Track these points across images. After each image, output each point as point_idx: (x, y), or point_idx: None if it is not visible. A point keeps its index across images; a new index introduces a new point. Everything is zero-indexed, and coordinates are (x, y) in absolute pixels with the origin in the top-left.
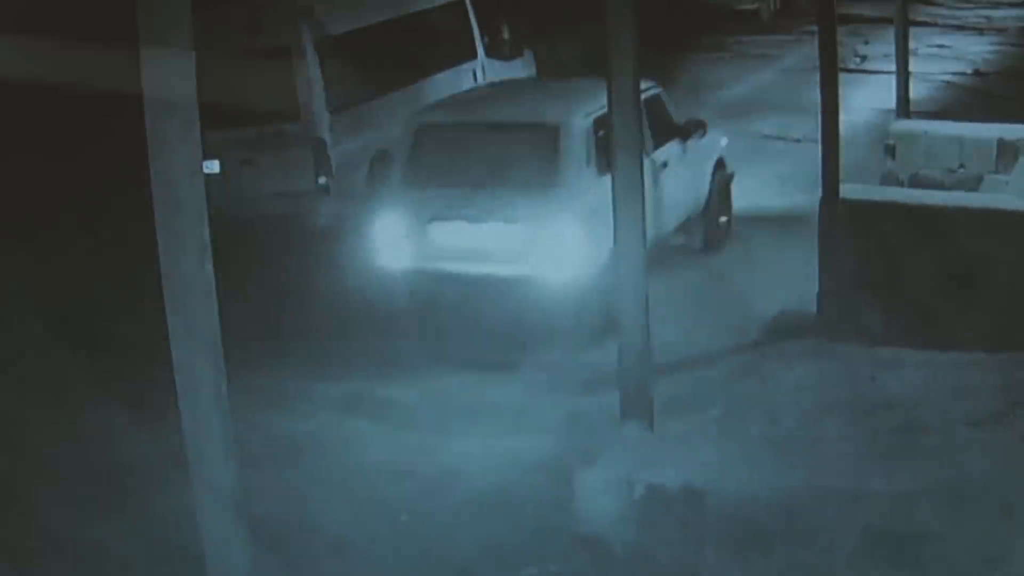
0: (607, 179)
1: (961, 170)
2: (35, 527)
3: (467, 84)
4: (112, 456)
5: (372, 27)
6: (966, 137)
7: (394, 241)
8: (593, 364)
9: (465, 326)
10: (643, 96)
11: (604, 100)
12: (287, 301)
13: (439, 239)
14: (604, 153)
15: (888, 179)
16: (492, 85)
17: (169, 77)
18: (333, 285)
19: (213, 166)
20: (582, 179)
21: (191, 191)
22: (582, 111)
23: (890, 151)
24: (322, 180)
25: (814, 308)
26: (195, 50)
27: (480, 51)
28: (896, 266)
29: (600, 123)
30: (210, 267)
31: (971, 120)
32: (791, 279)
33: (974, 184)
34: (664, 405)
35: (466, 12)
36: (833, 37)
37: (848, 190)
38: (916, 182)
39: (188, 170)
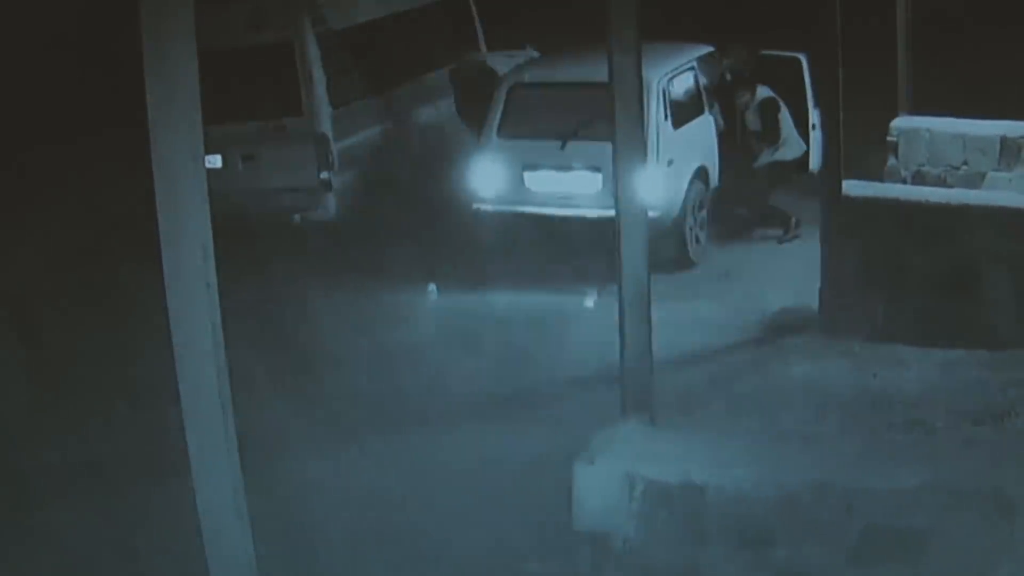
0: (680, 131)
1: (964, 167)
2: (35, 521)
3: None
4: (112, 449)
5: (374, 22)
6: (969, 134)
7: (489, 187)
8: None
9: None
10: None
11: (677, 62)
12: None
13: (530, 185)
14: (678, 108)
15: (890, 176)
16: (577, 48)
17: (172, 71)
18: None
19: (215, 161)
20: (659, 132)
21: (193, 186)
22: (659, 72)
23: (892, 148)
24: (324, 175)
25: (815, 304)
26: (197, 44)
27: (482, 45)
28: (898, 263)
29: (673, 82)
30: (212, 262)
31: (974, 117)
32: None
33: (977, 181)
34: (666, 400)
35: (468, 6)
36: (834, 36)
37: (850, 187)
38: (918, 179)
39: (190, 164)
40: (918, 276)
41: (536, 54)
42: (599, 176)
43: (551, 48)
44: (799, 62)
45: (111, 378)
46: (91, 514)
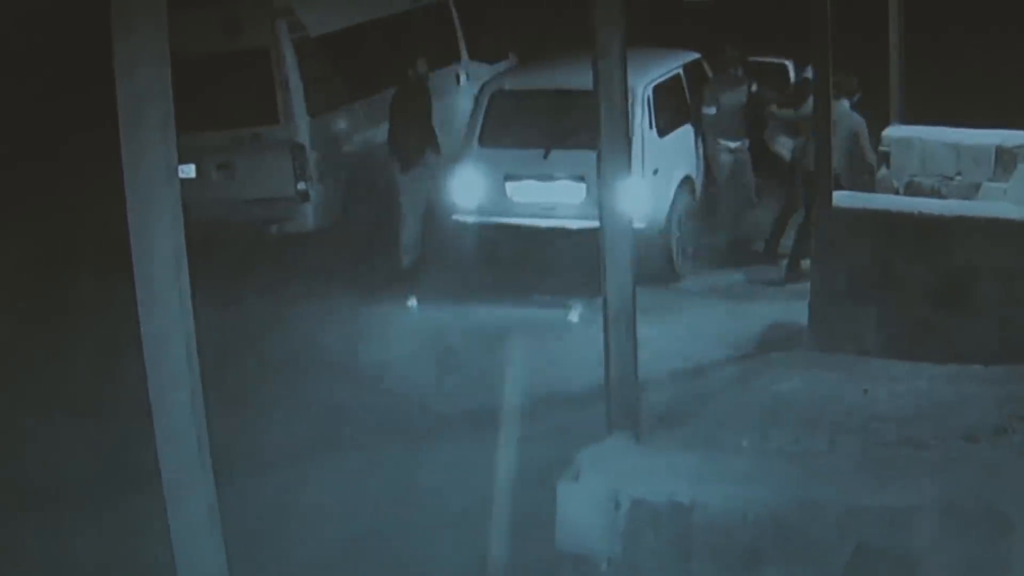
0: (666, 140)
1: (958, 178)
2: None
3: (451, 87)
4: (81, 465)
5: (353, 29)
6: (963, 144)
7: (470, 197)
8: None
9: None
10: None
11: (662, 69)
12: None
13: (512, 195)
14: (663, 117)
15: (882, 186)
16: (561, 54)
17: (144, 78)
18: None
19: (189, 170)
20: (644, 140)
21: (166, 196)
22: (644, 79)
23: (884, 158)
24: (301, 186)
25: (805, 319)
26: (170, 50)
27: (464, 53)
28: (890, 276)
29: (658, 90)
30: (185, 274)
31: (969, 126)
32: None
33: (971, 192)
34: (652, 416)
35: (450, 14)
36: (827, 47)
37: (841, 197)
38: (911, 190)
39: (164, 174)
40: (910, 289)
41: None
42: (583, 186)
43: (535, 56)
44: (785, 68)
45: (81, 392)
46: (60, 532)
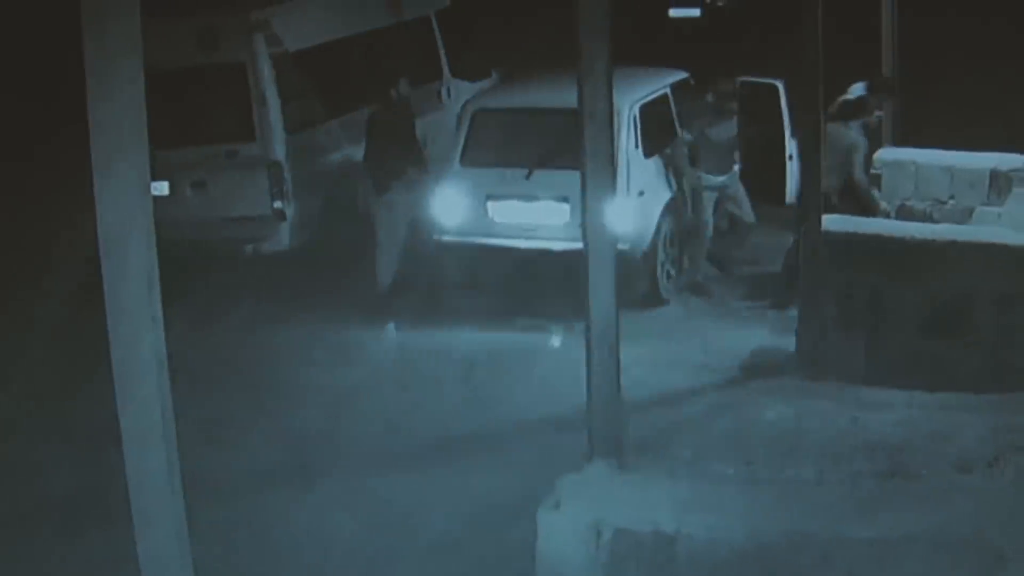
0: (652, 161)
1: (951, 201)
2: None
3: (432, 105)
4: (48, 488)
5: (332, 44)
6: (957, 167)
7: (451, 217)
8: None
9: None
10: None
11: (649, 88)
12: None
13: (494, 215)
14: (649, 137)
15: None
16: (545, 72)
17: (117, 92)
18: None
19: (162, 188)
20: (629, 161)
21: (139, 214)
22: (630, 98)
23: (876, 181)
24: (278, 204)
25: (793, 345)
26: (144, 64)
27: (446, 71)
28: (880, 302)
29: (645, 109)
30: (158, 295)
31: (963, 149)
32: None
33: (964, 216)
34: (635, 443)
35: (432, 31)
36: (817, 73)
37: (830, 221)
38: (903, 214)
39: (136, 191)
40: (901, 315)
41: (499, 81)
42: (566, 207)
43: (519, 74)
44: (776, 89)
45: (50, 416)
46: (28, 560)
